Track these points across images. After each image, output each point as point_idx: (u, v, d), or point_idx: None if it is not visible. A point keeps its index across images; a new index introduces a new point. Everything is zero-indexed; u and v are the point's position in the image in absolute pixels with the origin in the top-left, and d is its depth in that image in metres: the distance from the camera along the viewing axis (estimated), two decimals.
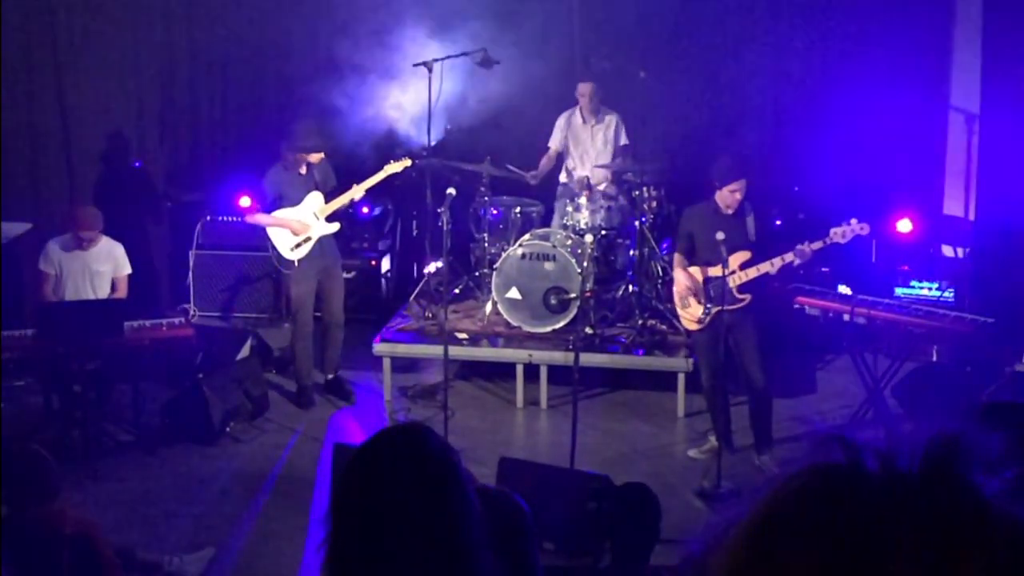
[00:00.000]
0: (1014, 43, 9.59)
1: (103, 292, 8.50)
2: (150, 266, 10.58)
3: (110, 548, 5.41)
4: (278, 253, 8.95)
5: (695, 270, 7.77)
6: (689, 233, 7.81)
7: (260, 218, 8.94)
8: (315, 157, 8.79)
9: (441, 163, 9.69)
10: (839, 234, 7.52)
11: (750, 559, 0.97)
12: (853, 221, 7.55)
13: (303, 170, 8.83)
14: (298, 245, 8.88)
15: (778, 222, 10.14)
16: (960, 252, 10.50)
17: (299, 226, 8.82)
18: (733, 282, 7.56)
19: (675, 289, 7.95)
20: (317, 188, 8.85)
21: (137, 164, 11.16)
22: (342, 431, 8.60)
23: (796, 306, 8.27)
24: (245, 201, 10.97)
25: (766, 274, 7.60)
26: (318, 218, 8.85)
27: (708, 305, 7.68)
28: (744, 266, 7.58)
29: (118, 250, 8.60)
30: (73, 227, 8.37)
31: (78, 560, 5.11)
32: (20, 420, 8.19)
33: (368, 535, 2.33)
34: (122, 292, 8.57)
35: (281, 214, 8.86)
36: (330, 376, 9.28)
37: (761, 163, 9.95)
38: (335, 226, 8.91)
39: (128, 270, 8.59)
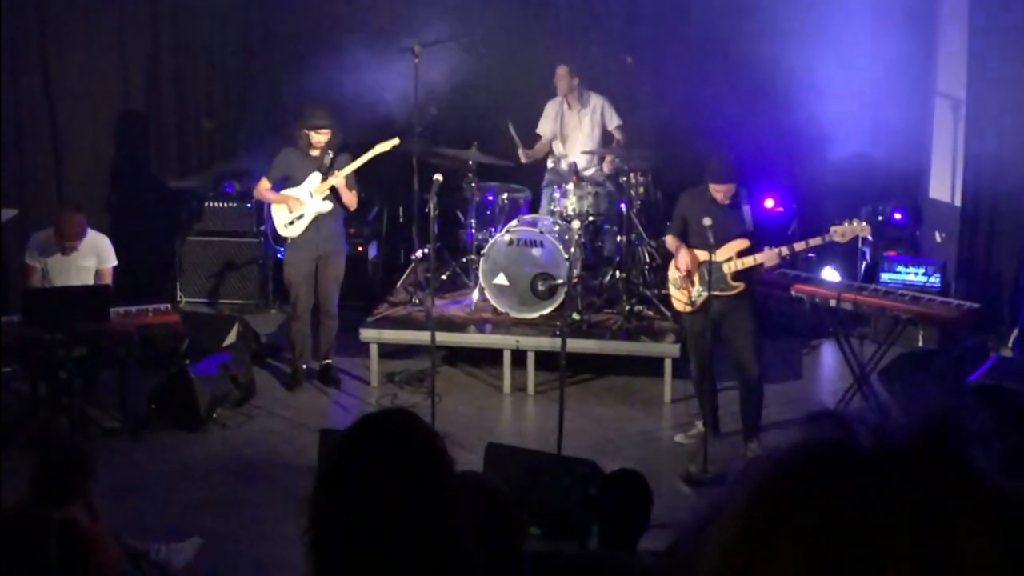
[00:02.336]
0: (1000, 28, 9.60)
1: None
2: (137, 252, 10.53)
3: (100, 534, 5.39)
4: (274, 229, 9.10)
5: (692, 252, 7.76)
6: (683, 216, 7.82)
7: (265, 194, 9.05)
8: (322, 136, 8.77)
9: (428, 149, 9.68)
10: (839, 233, 7.53)
11: (743, 538, 0.96)
12: (855, 221, 7.56)
13: (314, 152, 8.85)
14: (292, 223, 8.91)
15: (770, 203, 10.16)
16: (946, 237, 10.53)
17: (294, 203, 8.85)
18: (728, 269, 7.56)
19: (671, 268, 7.95)
20: (320, 171, 8.85)
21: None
22: (329, 417, 8.60)
23: (794, 294, 8.25)
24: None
25: (762, 264, 7.60)
26: (312, 196, 8.85)
27: (699, 289, 7.68)
28: (742, 254, 7.58)
29: (103, 243, 8.50)
30: (56, 235, 8.25)
31: (65, 548, 5.10)
32: (7, 408, 8.17)
33: (351, 522, 2.33)
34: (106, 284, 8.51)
35: (283, 192, 8.93)
36: (320, 363, 9.26)
37: (749, 151, 9.95)
38: (328, 205, 8.88)
39: (113, 262, 8.51)
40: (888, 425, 0.98)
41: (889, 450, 0.96)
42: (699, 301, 7.71)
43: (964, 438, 0.96)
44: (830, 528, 0.93)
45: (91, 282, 8.41)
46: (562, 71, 9.94)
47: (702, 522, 1.01)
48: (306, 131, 8.80)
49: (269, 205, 9.30)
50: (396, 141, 8.96)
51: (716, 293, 7.59)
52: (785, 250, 7.56)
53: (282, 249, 9.31)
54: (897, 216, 10.40)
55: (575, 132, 10.07)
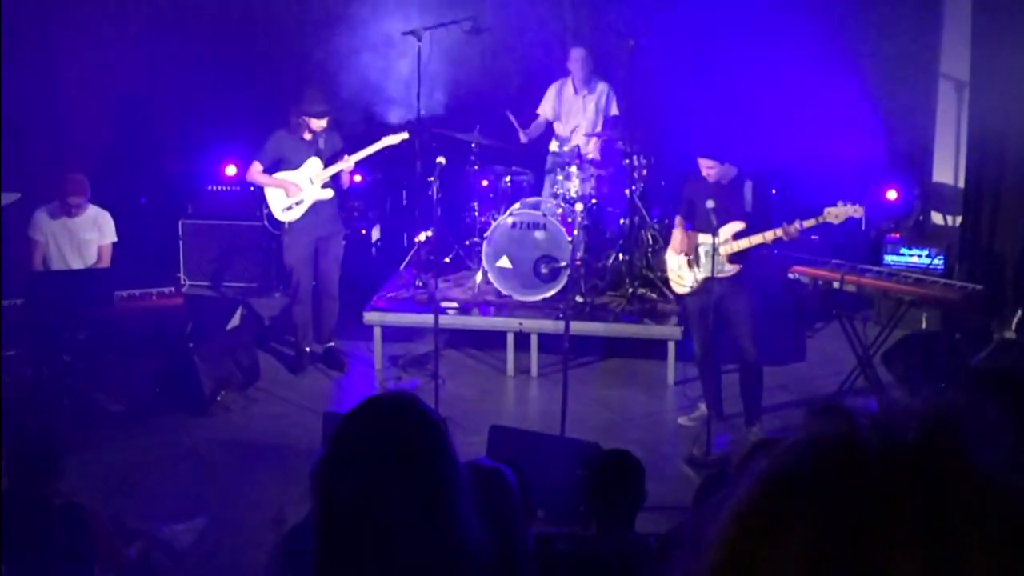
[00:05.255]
0: (1004, 10, 9.55)
1: (90, 259, 8.49)
2: (140, 236, 10.53)
3: (101, 517, 5.41)
4: (270, 214, 9.05)
5: (689, 235, 7.78)
6: (688, 198, 7.82)
7: (258, 177, 8.98)
8: (319, 123, 8.76)
9: (431, 132, 9.66)
10: (833, 214, 7.48)
11: (746, 535, 0.96)
12: (849, 203, 7.54)
13: (307, 136, 8.82)
14: (289, 208, 8.88)
15: (773, 191, 10.13)
16: (950, 219, 10.52)
17: (293, 188, 8.82)
18: (724, 251, 7.55)
19: (668, 251, 7.95)
20: (319, 155, 8.83)
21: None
22: (332, 400, 8.61)
23: (792, 276, 8.24)
24: (231, 170, 10.96)
25: (758, 246, 7.59)
26: (313, 183, 8.84)
27: (696, 270, 7.68)
28: (738, 236, 7.56)
29: (104, 217, 8.60)
30: (61, 193, 8.37)
31: (69, 531, 5.12)
32: (11, 391, 8.18)
33: (354, 505, 2.34)
34: (105, 260, 8.55)
35: (278, 175, 8.88)
36: (324, 346, 9.27)
37: (750, 134, 9.92)
38: (328, 192, 8.88)
39: (113, 238, 8.59)
40: (893, 419, 0.97)
41: (893, 447, 0.95)
42: (696, 284, 7.72)
43: (969, 434, 0.95)
44: (833, 528, 0.92)
45: (93, 255, 8.47)
46: (578, 53, 9.92)
47: (707, 515, 1.00)
48: (305, 117, 8.77)
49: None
50: (405, 135, 8.96)
51: (714, 276, 7.58)
52: (780, 231, 7.53)
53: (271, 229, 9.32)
54: (891, 195, 10.34)
55: (578, 115, 10.04)
